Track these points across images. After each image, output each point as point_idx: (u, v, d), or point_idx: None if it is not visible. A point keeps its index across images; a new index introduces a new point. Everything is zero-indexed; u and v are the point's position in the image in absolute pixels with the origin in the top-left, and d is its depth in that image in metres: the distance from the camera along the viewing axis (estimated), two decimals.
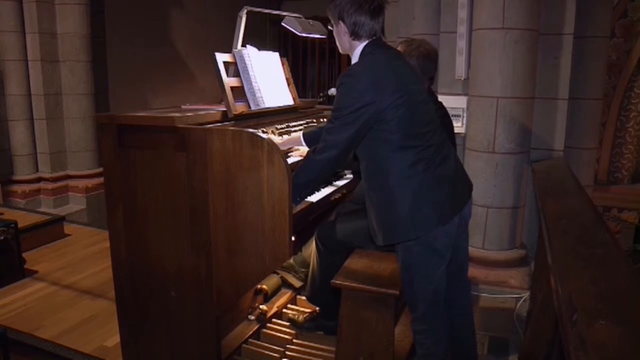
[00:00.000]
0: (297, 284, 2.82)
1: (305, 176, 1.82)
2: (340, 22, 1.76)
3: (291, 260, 2.80)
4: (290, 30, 2.67)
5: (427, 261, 1.78)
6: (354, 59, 1.79)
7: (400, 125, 1.68)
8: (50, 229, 4.21)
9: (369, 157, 1.77)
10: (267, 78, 2.48)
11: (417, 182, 1.70)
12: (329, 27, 1.90)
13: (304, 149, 2.23)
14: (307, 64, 8.87)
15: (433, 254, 1.77)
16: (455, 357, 2.11)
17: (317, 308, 2.48)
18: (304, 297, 2.82)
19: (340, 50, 1.88)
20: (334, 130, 1.71)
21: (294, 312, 2.61)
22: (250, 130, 1.87)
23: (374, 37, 1.77)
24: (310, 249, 2.66)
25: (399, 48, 2.15)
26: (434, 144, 1.75)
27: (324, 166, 1.78)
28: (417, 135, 1.71)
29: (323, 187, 2.33)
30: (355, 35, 1.75)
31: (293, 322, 2.53)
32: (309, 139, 2.10)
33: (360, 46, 1.77)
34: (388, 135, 1.69)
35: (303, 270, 2.83)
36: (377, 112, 1.65)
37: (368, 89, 1.65)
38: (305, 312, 2.56)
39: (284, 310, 2.71)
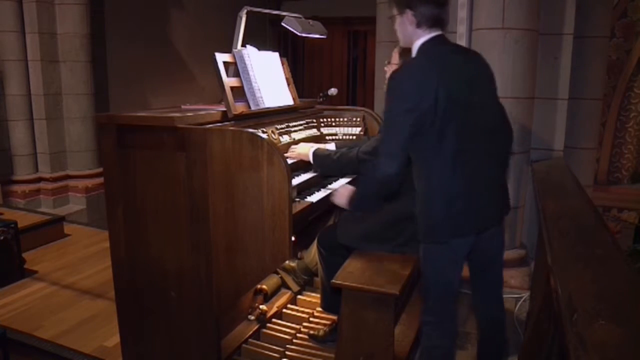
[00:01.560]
0: (295, 288, 2.83)
1: (369, 190, 1.83)
2: (408, 10, 1.72)
3: (293, 264, 2.81)
4: (290, 30, 2.67)
5: (442, 262, 1.78)
6: (413, 53, 1.77)
7: (441, 131, 1.64)
8: (50, 229, 4.20)
9: (411, 158, 1.76)
10: (267, 78, 2.48)
11: (450, 188, 1.68)
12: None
13: (301, 150, 2.25)
14: (307, 64, 8.88)
15: (450, 257, 1.77)
16: (482, 354, 2.10)
17: (335, 317, 2.40)
18: (304, 298, 2.83)
19: (402, 43, 1.86)
20: (386, 139, 1.70)
21: (314, 328, 2.53)
22: (250, 130, 1.88)
23: (438, 33, 1.74)
24: (312, 255, 2.67)
25: (396, 49, 2.15)
26: (475, 150, 1.71)
27: (385, 182, 1.75)
28: (462, 140, 1.67)
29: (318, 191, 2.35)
30: (419, 25, 1.72)
31: (315, 338, 2.46)
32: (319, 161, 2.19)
33: (421, 39, 1.73)
34: (428, 140, 1.66)
35: (304, 277, 2.83)
36: (420, 115, 1.63)
37: (411, 94, 1.64)
38: (325, 325, 2.51)
39: (284, 310, 2.71)
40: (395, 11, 1.78)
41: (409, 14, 1.72)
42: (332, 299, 2.24)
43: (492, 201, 1.81)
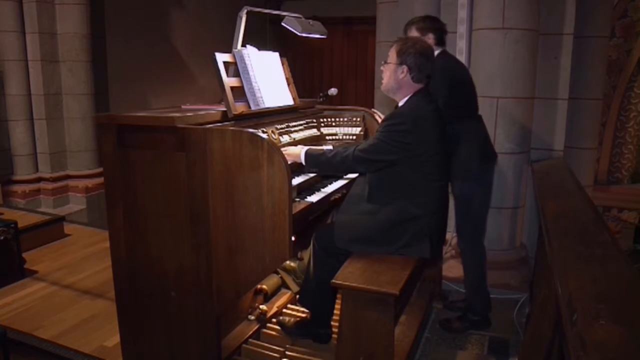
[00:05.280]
0: (295, 288, 2.81)
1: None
2: None
3: (294, 264, 2.80)
4: (290, 30, 2.67)
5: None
6: None
7: None
8: (50, 229, 4.20)
9: None
10: (267, 78, 2.48)
11: None
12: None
13: (292, 151, 2.24)
14: (307, 64, 8.87)
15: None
16: None
17: (309, 314, 2.43)
18: None
19: None
20: None
21: (285, 316, 2.56)
22: (250, 130, 1.88)
23: None
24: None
25: (393, 47, 2.13)
26: None
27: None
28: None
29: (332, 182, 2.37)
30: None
31: (282, 326, 2.48)
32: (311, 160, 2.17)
33: None
34: None
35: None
36: None
37: None
38: (296, 317, 2.51)
39: (284, 310, 2.71)
40: None
41: None
42: (311, 294, 2.29)
43: None
